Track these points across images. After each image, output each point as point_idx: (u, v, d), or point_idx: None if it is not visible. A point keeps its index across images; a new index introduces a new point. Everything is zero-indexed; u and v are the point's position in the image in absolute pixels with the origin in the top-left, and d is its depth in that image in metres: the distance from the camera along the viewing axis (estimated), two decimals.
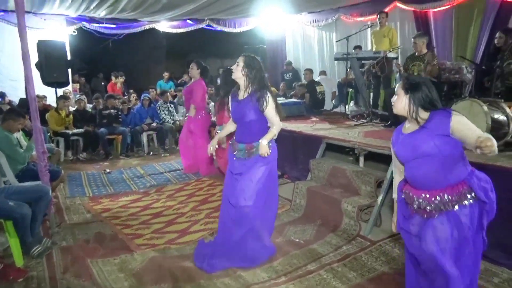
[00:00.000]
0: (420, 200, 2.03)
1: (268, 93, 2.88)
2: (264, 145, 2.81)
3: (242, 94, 2.95)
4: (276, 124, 2.90)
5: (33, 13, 7.76)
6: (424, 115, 1.98)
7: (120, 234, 3.73)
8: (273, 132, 2.88)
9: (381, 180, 3.74)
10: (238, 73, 2.88)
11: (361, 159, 4.20)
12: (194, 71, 5.47)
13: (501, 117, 3.50)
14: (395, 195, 2.26)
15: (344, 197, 3.84)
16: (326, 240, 3.52)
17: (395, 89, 2.09)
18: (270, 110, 2.87)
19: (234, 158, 3.04)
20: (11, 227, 2.96)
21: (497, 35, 4.84)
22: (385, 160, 4.09)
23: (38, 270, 2.94)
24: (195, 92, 5.39)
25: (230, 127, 3.20)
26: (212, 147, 3.10)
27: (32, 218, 3.18)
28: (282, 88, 8.83)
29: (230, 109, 3.13)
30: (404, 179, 2.17)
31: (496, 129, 3.43)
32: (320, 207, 3.98)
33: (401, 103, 2.03)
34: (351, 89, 7.29)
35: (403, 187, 2.15)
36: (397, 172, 2.27)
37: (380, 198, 3.61)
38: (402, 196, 2.16)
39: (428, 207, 2.00)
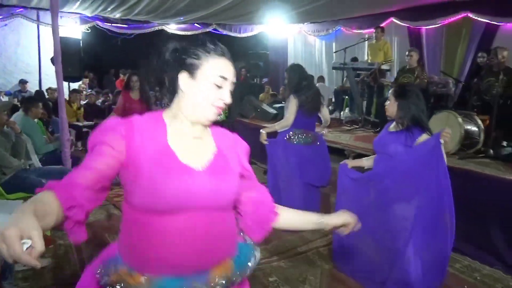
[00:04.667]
0: None
1: None
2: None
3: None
4: None
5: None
6: None
7: None
8: None
9: None
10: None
11: (350, 159, 4.67)
12: None
13: (473, 128, 3.97)
14: None
15: (332, 192, 4.31)
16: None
17: None
18: None
19: None
20: None
21: (479, 54, 5.35)
22: None
23: (64, 239, 3.39)
24: None
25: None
26: None
27: None
28: (281, 93, 9.28)
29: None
30: None
31: (468, 138, 3.91)
32: None
33: None
34: (346, 97, 7.76)
35: None
36: None
37: None
38: None
39: None
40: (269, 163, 3.96)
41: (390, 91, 2.62)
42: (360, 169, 2.96)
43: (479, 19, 6.18)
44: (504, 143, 4.09)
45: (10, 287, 2.54)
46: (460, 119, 3.93)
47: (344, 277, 3.02)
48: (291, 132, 3.75)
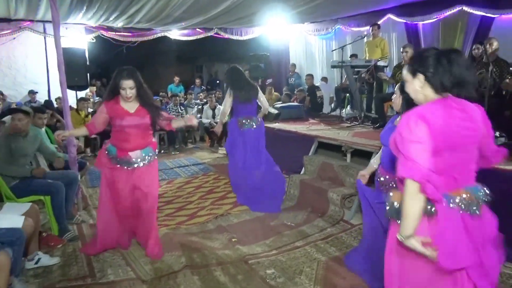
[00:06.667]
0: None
1: None
2: None
3: None
4: None
5: None
6: None
7: None
8: None
9: None
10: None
11: (348, 155, 4.76)
12: None
13: None
14: None
15: (331, 188, 4.41)
16: (314, 223, 4.09)
17: None
18: None
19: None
20: (49, 203, 3.56)
21: (474, 46, 5.37)
22: (369, 156, 4.65)
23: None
24: None
25: None
26: None
27: (65, 199, 3.80)
28: (283, 98, 9.35)
29: None
30: None
31: None
32: (311, 196, 4.55)
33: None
34: (347, 94, 7.85)
35: None
36: None
37: None
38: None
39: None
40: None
41: (397, 85, 2.61)
42: None
43: (474, 12, 6.22)
44: (497, 134, 4.14)
45: (21, 284, 2.71)
46: None
47: (339, 269, 3.12)
48: (236, 120, 4.66)
